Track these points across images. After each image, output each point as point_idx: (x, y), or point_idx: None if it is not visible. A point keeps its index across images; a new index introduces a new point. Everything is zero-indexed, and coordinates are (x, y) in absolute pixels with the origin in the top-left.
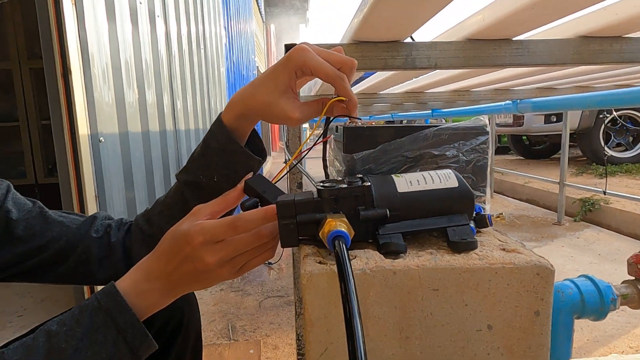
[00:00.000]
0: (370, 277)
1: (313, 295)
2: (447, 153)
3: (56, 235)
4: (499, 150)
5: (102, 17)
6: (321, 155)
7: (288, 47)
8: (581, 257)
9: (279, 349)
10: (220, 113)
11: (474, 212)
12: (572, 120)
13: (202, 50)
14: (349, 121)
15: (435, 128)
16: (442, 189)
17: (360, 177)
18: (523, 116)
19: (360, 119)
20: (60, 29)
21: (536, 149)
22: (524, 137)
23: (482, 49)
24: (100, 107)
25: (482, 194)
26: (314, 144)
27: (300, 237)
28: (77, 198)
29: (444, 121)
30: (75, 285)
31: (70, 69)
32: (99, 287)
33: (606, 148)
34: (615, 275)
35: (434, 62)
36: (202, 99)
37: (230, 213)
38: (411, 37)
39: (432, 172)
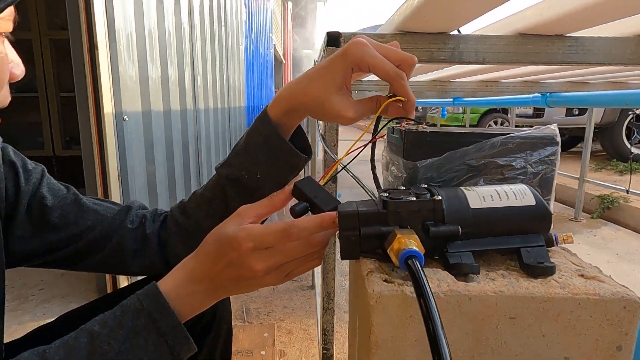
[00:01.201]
0: (443, 302)
1: (382, 317)
2: (514, 163)
3: (91, 224)
4: None
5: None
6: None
7: (331, 36)
8: (598, 256)
9: (292, 333)
10: (266, 106)
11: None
12: (595, 114)
13: (223, 27)
14: (405, 122)
15: (503, 137)
16: (518, 206)
17: (427, 189)
18: (544, 107)
19: (420, 123)
20: (88, 3)
21: None
22: None
23: (534, 44)
24: (125, 85)
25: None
26: (365, 145)
27: (360, 250)
28: (101, 177)
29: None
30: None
31: (96, 44)
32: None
33: (629, 145)
34: (632, 276)
35: (482, 57)
36: (221, 77)
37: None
38: (458, 30)
39: (506, 187)
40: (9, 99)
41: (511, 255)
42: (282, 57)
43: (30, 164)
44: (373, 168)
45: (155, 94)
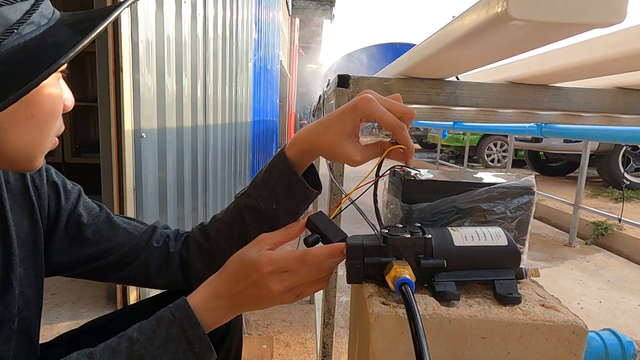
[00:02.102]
0: (428, 322)
1: (379, 333)
2: (495, 209)
3: (121, 241)
4: (515, 164)
5: (152, 13)
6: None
7: (341, 78)
8: (590, 282)
9: (290, 346)
10: (284, 146)
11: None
12: (592, 142)
13: (234, 46)
14: (403, 167)
15: (488, 187)
16: (493, 246)
17: (420, 227)
18: None
19: (417, 171)
20: (116, 29)
21: (552, 166)
22: (541, 153)
23: (522, 92)
24: (143, 104)
25: (522, 246)
26: (369, 184)
27: (363, 276)
28: (117, 190)
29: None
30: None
31: (121, 67)
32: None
33: (625, 173)
34: (623, 304)
35: (476, 102)
36: (230, 94)
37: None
38: (456, 77)
39: (484, 229)
40: (64, 127)
41: (487, 285)
42: (287, 72)
43: (69, 184)
44: (375, 202)
45: (170, 112)
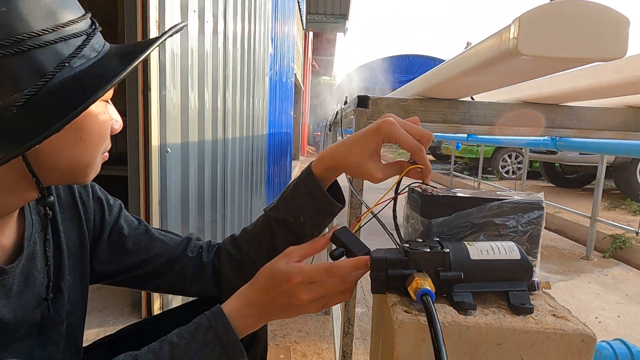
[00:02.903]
0: (447, 329)
1: (402, 339)
2: (508, 223)
3: (159, 252)
4: (530, 175)
5: (177, 36)
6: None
7: (361, 98)
8: (608, 296)
9: (307, 356)
10: (310, 163)
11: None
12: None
13: (252, 63)
14: (421, 184)
15: (500, 202)
16: (507, 259)
17: (439, 242)
18: None
19: (434, 187)
20: None
21: (569, 177)
22: (557, 165)
23: (536, 111)
24: (169, 120)
25: (534, 259)
26: (389, 201)
27: (387, 287)
28: (144, 202)
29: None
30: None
31: (150, 86)
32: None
33: None
34: None
35: (490, 120)
36: (247, 108)
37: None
38: (471, 97)
39: (498, 244)
40: (110, 145)
41: (502, 296)
42: (301, 84)
43: (111, 199)
44: (395, 218)
45: (192, 126)
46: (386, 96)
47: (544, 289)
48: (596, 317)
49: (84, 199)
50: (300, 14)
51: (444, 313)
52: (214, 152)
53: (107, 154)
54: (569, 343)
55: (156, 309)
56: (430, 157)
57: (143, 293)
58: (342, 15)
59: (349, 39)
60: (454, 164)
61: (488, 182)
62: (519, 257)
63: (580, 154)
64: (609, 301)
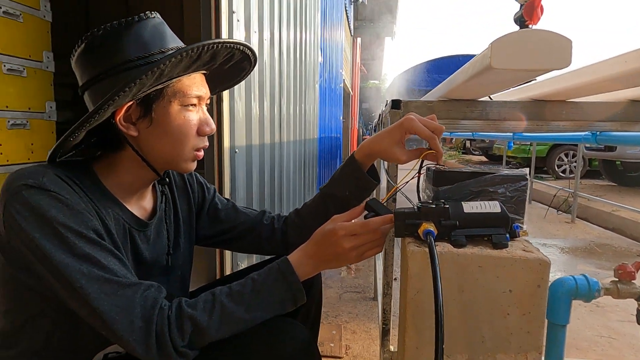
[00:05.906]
0: (444, 256)
1: (413, 263)
2: (499, 191)
3: (242, 221)
4: (588, 174)
5: None
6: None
7: (395, 102)
8: None
9: (356, 333)
10: (354, 152)
11: (511, 228)
12: None
13: (303, 71)
14: (436, 164)
15: (492, 175)
16: (491, 212)
17: (442, 202)
18: None
19: (443, 165)
20: None
21: (631, 175)
22: (618, 162)
23: (544, 107)
24: (237, 124)
25: (520, 217)
26: (412, 178)
27: (405, 232)
28: None
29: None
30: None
31: (222, 97)
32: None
33: None
34: None
35: (503, 116)
36: (300, 113)
37: None
38: (489, 97)
39: (485, 202)
40: (205, 144)
41: (489, 239)
42: (350, 90)
43: (208, 184)
44: (418, 190)
45: (254, 131)
46: (414, 99)
47: (523, 236)
48: None
49: (190, 182)
50: (348, 22)
51: (443, 247)
52: (272, 154)
53: (202, 152)
54: (530, 265)
55: (227, 271)
56: (483, 158)
57: (217, 262)
58: (389, 20)
59: (397, 42)
60: (507, 165)
61: (543, 182)
62: (500, 211)
63: None
64: None
